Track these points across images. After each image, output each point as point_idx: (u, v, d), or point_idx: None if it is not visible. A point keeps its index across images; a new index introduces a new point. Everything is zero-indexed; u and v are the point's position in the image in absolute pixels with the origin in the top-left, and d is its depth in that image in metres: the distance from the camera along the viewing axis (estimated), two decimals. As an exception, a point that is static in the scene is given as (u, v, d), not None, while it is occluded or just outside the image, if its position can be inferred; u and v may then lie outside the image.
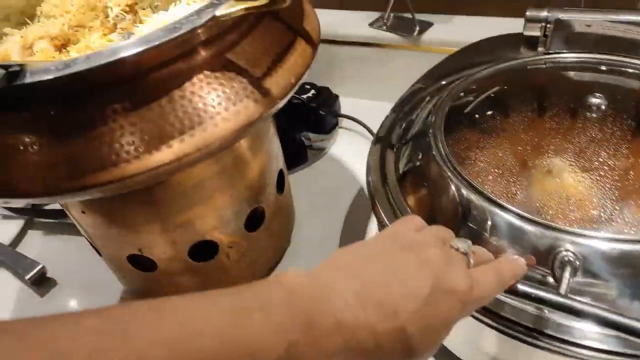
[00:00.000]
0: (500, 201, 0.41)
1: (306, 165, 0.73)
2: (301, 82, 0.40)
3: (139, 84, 0.33)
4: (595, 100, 0.48)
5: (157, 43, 0.30)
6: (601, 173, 0.44)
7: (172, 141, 0.33)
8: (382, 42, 0.77)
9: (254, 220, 0.50)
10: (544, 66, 0.55)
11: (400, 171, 0.52)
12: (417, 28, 0.75)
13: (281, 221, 0.55)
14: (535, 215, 0.39)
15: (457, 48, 0.72)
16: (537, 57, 0.57)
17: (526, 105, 0.50)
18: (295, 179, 0.70)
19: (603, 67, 0.52)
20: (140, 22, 0.46)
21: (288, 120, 0.70)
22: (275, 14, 0.40)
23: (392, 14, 0.79)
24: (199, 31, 0.33)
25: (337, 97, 0.78)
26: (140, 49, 0.30)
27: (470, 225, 0.43)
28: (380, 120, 0.62)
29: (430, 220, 0.48)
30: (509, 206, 0.40)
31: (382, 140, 0.56)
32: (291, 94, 0.39)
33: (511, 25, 0.66)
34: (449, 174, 0.45)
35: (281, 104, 0.38)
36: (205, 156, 0.34)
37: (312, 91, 0.76)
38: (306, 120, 0.74)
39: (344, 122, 0.79)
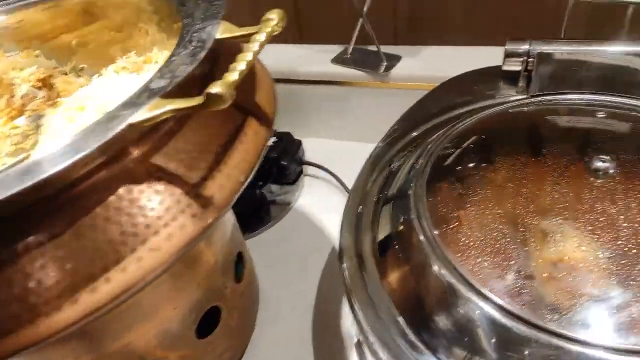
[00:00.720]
0: (506, 305, 0.34)
1: (270, 224, 0.65)
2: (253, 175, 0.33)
3: (38, 212, 0.25)
4: (602, 153, 0.41)
5: (46, 175, 0.22)
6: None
7: (80, 293, 0.25)
8: (347, 79, 0.71)
9: (207, 323, 0.42)
10: (534, 110, 0.49)
11: (378, 242, 0.45)
12: (384, 63, 0.69)
13: (242, 312, 0.47)
14: (561, 324, 0.32)
15: (429, 83, 0.66)
16: (524, 101, 0.51)
17: (522, 159, 0.43)
18: (259, 242, 0.62)
19: (602, 111, 0.46)
20: (56, 99, 0.38)
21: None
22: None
23: (356, 47, 0.72)
24: (112, 141, 0.25)
25: (299, 142, 0.71)
26: (20, 187, 0.22)
27: (459, 323, 0.36)
28: (348, 165, 0.55)
29: (413, 310, 0.41)
30: (530, 318, 0.32)
31: (357, 204, 0.49)
32: (239, 193, 0.32)
33: (486, 55, 0.60)
34: (431, 254, 0.38)
35: (228, 209, 0.31)
36: (135, 293, 0.27)
37: (272, 138, 0.68)
38: (267, 173, 0.66)
39: (310, 168, 0.72)
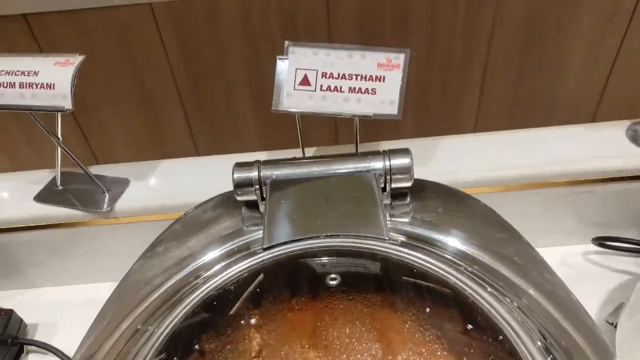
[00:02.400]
0: None
1: None
2: None
3: None
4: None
5: None
6: None
7: None
8: (63, 220, 0.55)
9: None
10: (270, 273, 0.40)
11: None
12: (107, 196, 0.55)
13: None
14: None
15: (164, 214, 0.55)
16: (261, 258, 0.42)
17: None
18: None
19: (333, 269, 0.39)
20: None
21: None
22: None
23: (69, 173, 0.57)
24: None
25: (10, 313, 0.53)
26: None
27: None
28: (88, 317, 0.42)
29: None
30: None
31: None
32: None
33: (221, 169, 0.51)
34: None
35: None
36: None
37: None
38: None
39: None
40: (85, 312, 0.42)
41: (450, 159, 0.56)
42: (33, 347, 0.54)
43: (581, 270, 0.58)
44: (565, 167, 0.54)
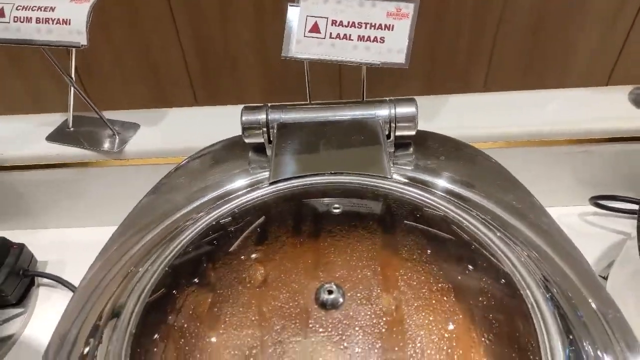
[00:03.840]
0: None
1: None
2: None
3: None
4: (330, 276, 0.35)
5: None
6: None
7: None
8: (73, 159, 0.56)
9: None
10: (267, 210, 0.41)
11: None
12: (117, 138, 0.56)
13: None
14: None
15: (173, 157, 0.56)
16: (268, 191, 0.43)
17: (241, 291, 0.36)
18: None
19: (337, 201, 0.41)
20: None
21: None
22: None
23: (80, 117, 0.58)
24: None
25: (21, 247, 0.55)
26: None
27: None
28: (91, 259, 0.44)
29: None
30: None
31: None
32: None
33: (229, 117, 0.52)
34: None
35: None
36: None
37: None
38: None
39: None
40: (94, 253, 0.43)
41: (455, 115, 0.58)
42: (44, 280, 0.56)
43: (577, 230, 0.59)
44: (565, 127, 0.55)
